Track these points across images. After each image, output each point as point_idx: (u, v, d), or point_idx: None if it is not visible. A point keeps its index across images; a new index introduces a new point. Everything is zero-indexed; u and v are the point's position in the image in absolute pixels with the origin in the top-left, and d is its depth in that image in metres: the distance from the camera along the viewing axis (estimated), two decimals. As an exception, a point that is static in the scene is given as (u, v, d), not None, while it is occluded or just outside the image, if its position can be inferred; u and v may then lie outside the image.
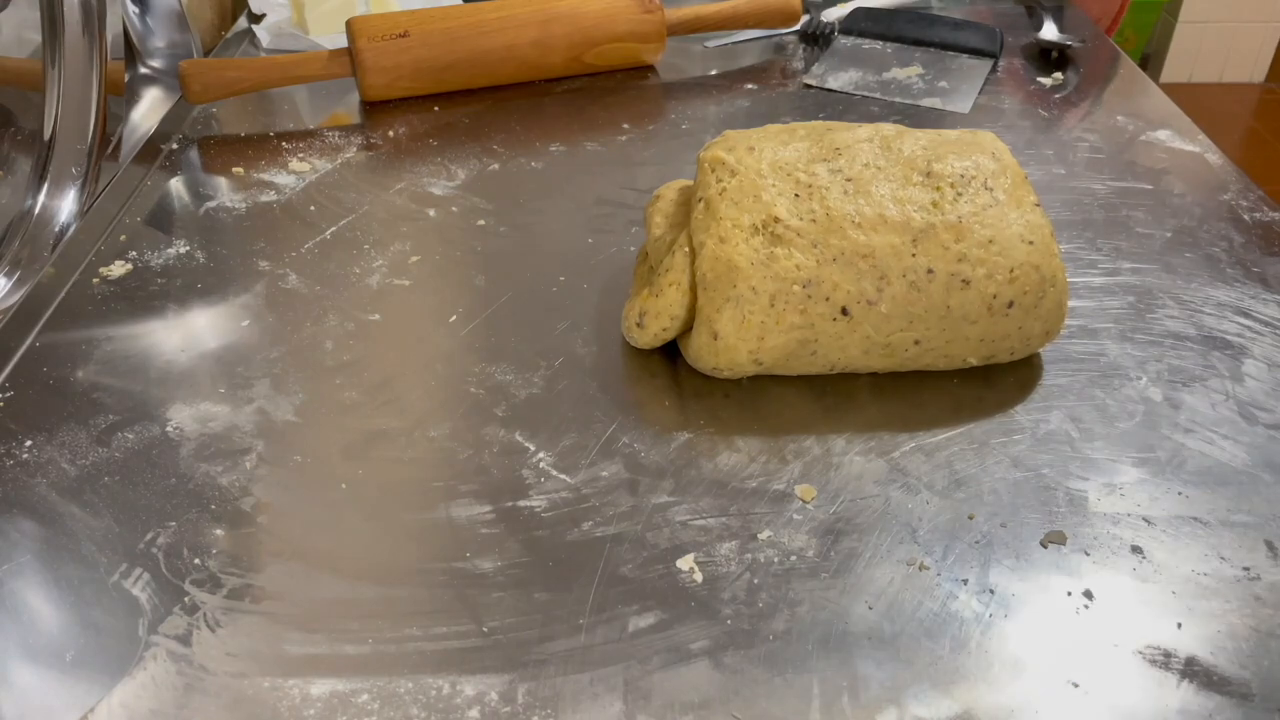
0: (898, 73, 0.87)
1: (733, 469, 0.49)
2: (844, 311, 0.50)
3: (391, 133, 0.78)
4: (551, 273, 0.62)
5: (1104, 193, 0.70)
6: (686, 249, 0.53)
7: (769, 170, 0.53)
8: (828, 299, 0.50)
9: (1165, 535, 0.45)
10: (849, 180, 0.52)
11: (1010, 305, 0.51)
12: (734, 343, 0.51)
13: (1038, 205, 0.53)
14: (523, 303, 0.60)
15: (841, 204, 0.51)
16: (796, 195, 0.52)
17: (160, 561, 0.44)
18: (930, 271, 0.50)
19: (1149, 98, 0.83)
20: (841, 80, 0.86)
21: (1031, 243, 0.51)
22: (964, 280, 0.50)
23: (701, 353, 0.52)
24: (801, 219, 0.51)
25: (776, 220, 0.51)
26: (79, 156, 0.76)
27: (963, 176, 0.53)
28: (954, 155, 0.54)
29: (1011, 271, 0.51)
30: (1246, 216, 0.67)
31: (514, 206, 0.69)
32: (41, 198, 0.75)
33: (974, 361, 0.53)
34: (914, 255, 0.50)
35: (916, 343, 0.51)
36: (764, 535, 0.45)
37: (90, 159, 0.76)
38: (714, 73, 0.88)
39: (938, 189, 0.52)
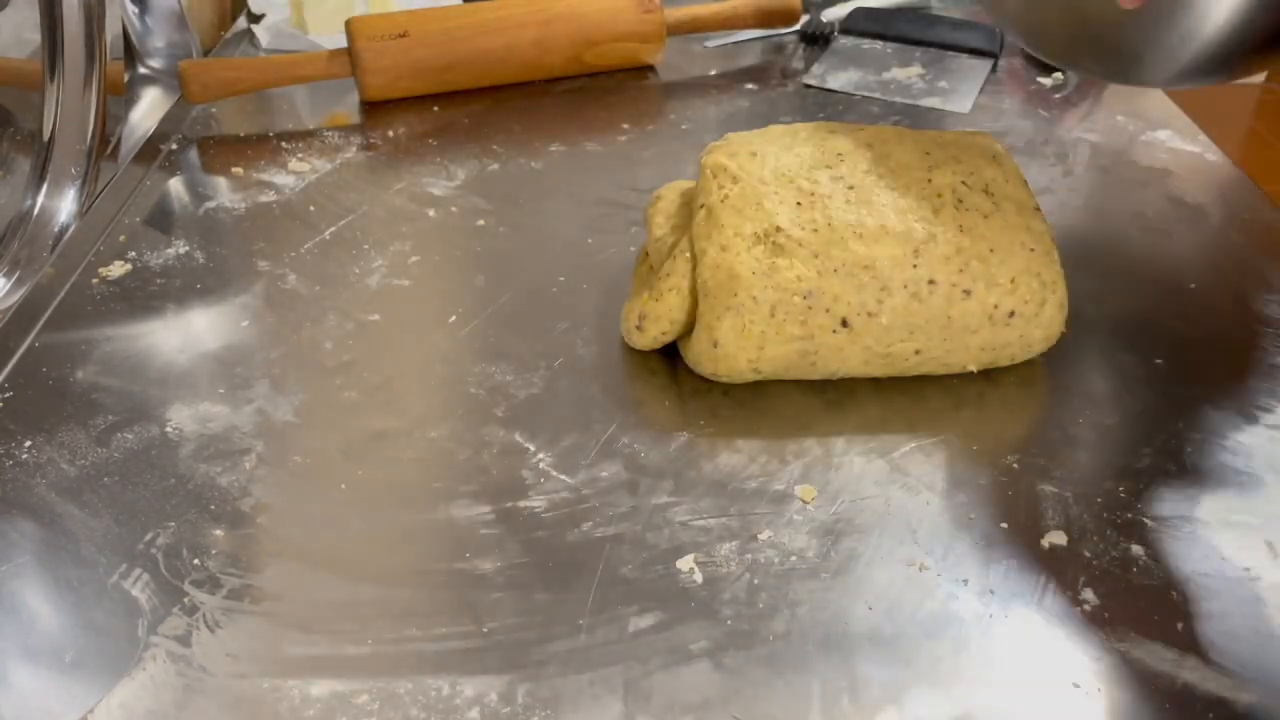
0: (898, 73, 0.87)
1: (733, 469, 0.49)
2: (844, 323, 0.50)
3: (391, 133, 0.78)
4: (551, 273, 0.62)
5: (1104, 193, 0.70)
6: (688, 254, 0.53)
7: (771, 177, 0.53)
8: (828, 310, 0.50)
9: (1165, 535, 0.45)
10: (850, 188, 0.52)
11: (1011, 314, 0.51)
12: (733, 351, 0.50)
13: (1037, 210, 0.53)
14: (523, 303, 0.60)
15: (843, 214, 0.51)
16: (799, 204, 0.51)
17: (160, 562, 0.44)
18: (932, 282, 0.50)
19: (1149, 98, 0.83)
20: (841, 80, 0.86)
21: (1032, 250, 0.51)
22: (965, 291, 0.50)
23: (701, 359, 0.52)
24: (803, 229, 0.51)
25: (778, 230, 0.51)
26: (78, 156, 0.76)
27: (963, 183, 0.53)
28: (954, 160, 0.54)
29: (1013, 280, 0.51)
30: (1246, 216, 0.67)
31: (514, 206, 0.69)
32: (41, 198, 0.75)
33: (974, 368, 0.53)
34: (915, 266, 0.50)
35: (917, 352, 0.51)
36: (764, 536, 0.45)
37: (90, 159, 0.76)
38: (714, 73, 0.88)
39: (939, 196, 0.52)
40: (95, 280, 0.62)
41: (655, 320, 0.53)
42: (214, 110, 0.82)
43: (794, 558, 0.44)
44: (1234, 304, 0.59)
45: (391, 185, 0.71)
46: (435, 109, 0.82)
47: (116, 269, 0.63)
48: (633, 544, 0.45)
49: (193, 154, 0.76)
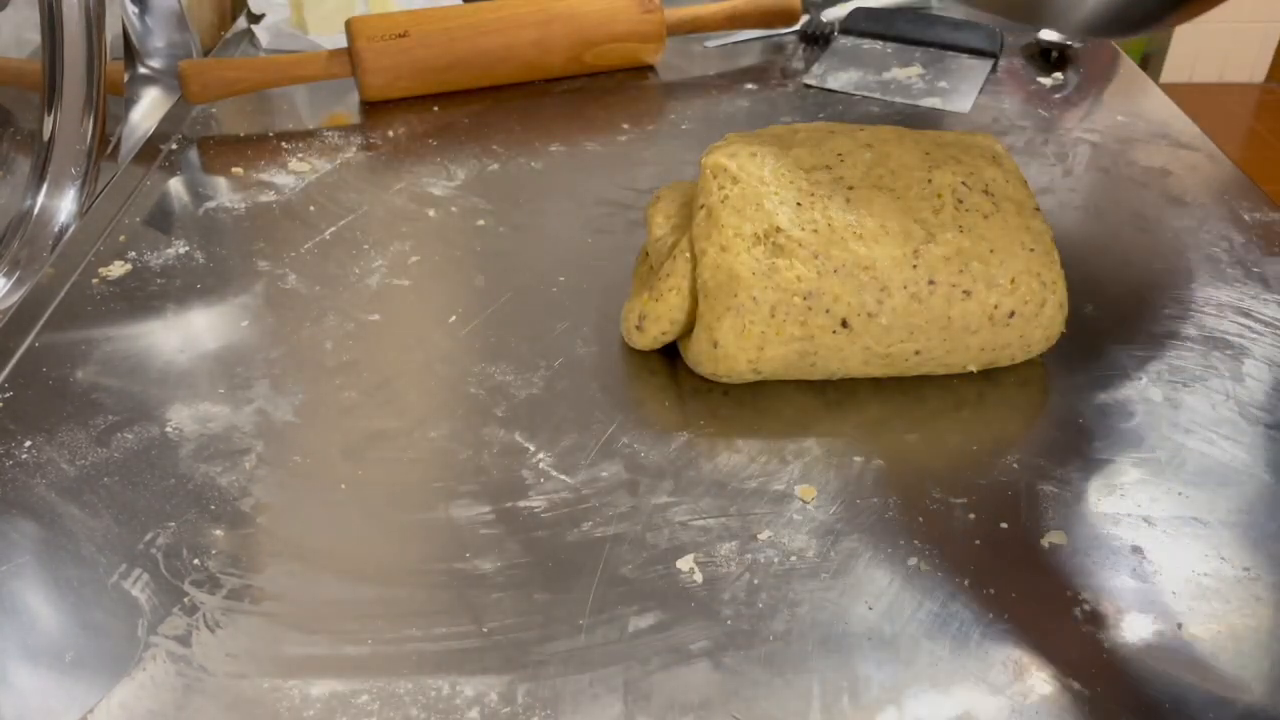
0: (898, 73, 0.87)
1: (733, 469, 0.49)
2: (844, 324, 0.50)
3: (391, 133, 0.78)
4: (551, 273, 0.62)
5: (1104, 193, 0.70)
6: (688, 254, 0.53)
7: (771, 178, 0.53)
8: (828, 311, 0.50)
9: (1165, 535, 0.45)
10: (850, 189, 0.52)
11: (1011, 315, 0.51)
12: (733, 351, 0.50)
13: (1037, 210, 0.53)
14: (523, 303, 0.60)
15: (843, 214, 0.51)
16: (799, 204, 0.51)
17: (160, 562, 0.44)
18: (931, 283, 0.50)
19: (1149, 98, 0.83)
20: (841, 80, 0.86)
21: (1032, 250, 0.51)
22: (965, 291, 0.50)
23: (701, 359, 0.52)
24: (803, 229, 0.51)
25: (778, 230, 0.51)
26: (78, 156, 0.76)
27: (963, 183, 0.53)
28: (954, 160, 0.54)
29: (1013, 281, 0.51)
30: (1246, 216, 0.67)
31: (514, 206, 0.69)
32: (41, 198, 0.75)
33: (974, 369, 0.53)
34: (915, 267, 0.50)
35: (917, 353, 0.51)
36: (764, 535, 0.45)
37: (90, 159, 0.76)
38: (714, 73, 0.88)
39: (939, 196, 0.52)
40: (95, 280, 0.62)
41: (655, 320, 0.53)
42: (214, 110, 0.82)
43: (794, 558, 0.44)
44: (1234, 304, 0.59)
45: (391, 185, 0.71)
46: (435, 109, 0.82)
47: (116, 269, 0.63)
48: (633, 544, 0.45)
49: (193, 154, 0.76)
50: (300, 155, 0.75)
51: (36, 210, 0.75)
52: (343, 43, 0.86)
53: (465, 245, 0.65)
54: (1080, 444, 0.50)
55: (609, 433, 0.51)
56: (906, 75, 0.86)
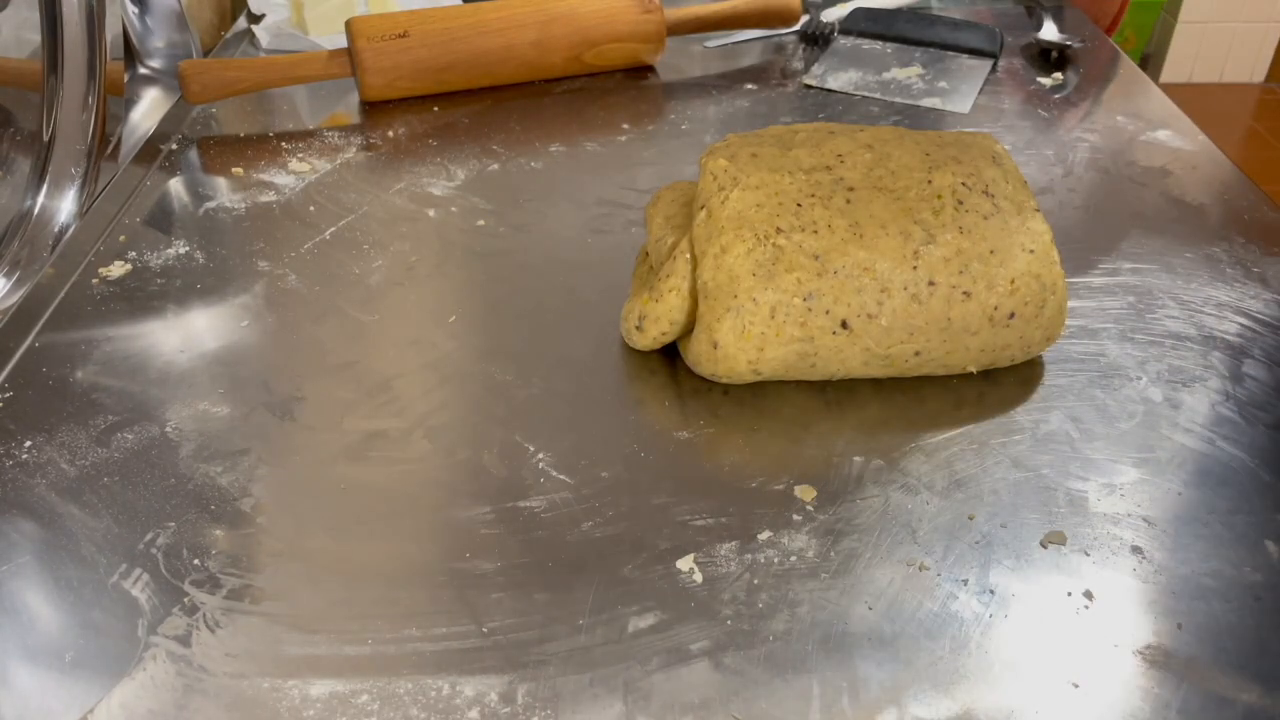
0: (897, 73, 0.87)
1: (733, 469, 0.49)
2: (844, 325, 0.50)
3: (391, 133, 0.78)
4: (551, 273, 0.62)
5: (1104, 193, 0.70)
6: (687, 255, 0.53)
7: (771, 180, 0.53)
8: (828, 312, 0.50)
9: (1165, 535, 0.45)
10: (851, 190, 0.52)
11: (1011, 316, 0.51)
12: (733, 352, 0.50)
13: (1037, 211, 0.53)
14: (522, 303, 0.60)
15: (843, 216, 0.51)
16: (799, 205, 0.51)
17: (160, 562, 0.44)
18: (931, 284, 0.50)
19: (1149, 98, 0.83)
20: (841, 80, 0.86)
21: (1032, 251, 0.51)
22: (965, 292, 0.50)
23: (701, 360, 0.52)
24: (803, 230, 0.51)
25: (778, 231, 0.51)
26: (78, 156, 0.76)
27: (963, 184, 0.53)
28: (954, 161, 0.54)
29: (1013, 282, 0.51)
30: (1246, 216, 0.67)
31: (514, 206, 0.69)
32: (41, 198, 0.75)
33: (974, 370, 0.53)
34: (915, 268, 0.50)
35: (917, 354, 0.51)
36: (764, 535, 0.45)
37: (90, 159, 0.76)
38: (714, 73, 0.88)
39: (939, 197, 0.52)
40: (95, 280, 0.62)
41: (655, 321, 0.53)
42: (214, 110, 0.82)
43: (794, 558, 0.44)
44: (1234, 304, 0.59)
45: (391, 185, 0.71)
46: (435, 109, 0.82)
47: (116, 269, 0.63)
48: (633, 544, 0.45)
49: (193, 154, 0.76)
50: (300, 155, 0.75)
51: (36, 210, 0.75)
52: (343, 43, 0.86)
53: (465, 245, 0.65)
54: (1080, 444, 0.50)
55: (609, 433, 0.51)
56: (906, 75, 0.86)
